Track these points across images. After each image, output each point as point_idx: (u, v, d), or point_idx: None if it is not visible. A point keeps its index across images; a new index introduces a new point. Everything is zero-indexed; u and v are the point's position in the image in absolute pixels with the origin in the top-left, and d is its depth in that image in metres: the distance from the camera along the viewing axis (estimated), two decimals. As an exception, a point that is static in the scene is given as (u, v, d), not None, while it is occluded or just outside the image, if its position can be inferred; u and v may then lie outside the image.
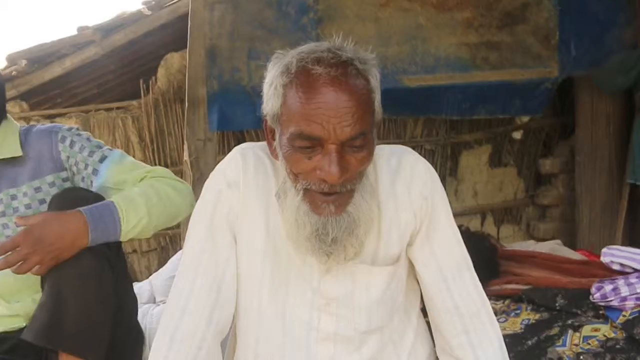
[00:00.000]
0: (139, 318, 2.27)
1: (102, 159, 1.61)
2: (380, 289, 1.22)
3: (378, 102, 1.11)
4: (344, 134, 1.04)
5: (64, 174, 1.61)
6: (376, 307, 1.23)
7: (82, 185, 1.62)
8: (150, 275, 2.92)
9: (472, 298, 1.25)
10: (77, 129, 1.68)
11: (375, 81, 1.10)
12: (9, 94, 3.81)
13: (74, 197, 1.49)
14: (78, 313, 1.39)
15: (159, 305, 2.38)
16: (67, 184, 1.62)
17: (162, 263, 3.85)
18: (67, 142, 1.61)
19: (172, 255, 3.17)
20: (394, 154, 1.24)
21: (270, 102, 1.12)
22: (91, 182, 1.60)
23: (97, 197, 1.52)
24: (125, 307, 1.57)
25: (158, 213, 1.52)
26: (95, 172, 1.60)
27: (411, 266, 1.29)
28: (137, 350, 1.65)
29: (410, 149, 1.27)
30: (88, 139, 1.65)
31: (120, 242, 1.53)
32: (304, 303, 1.21)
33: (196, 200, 1.28)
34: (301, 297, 1.21)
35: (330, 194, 1.09)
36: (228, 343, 1.35)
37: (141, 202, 1.50)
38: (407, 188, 1.21)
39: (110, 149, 1.65)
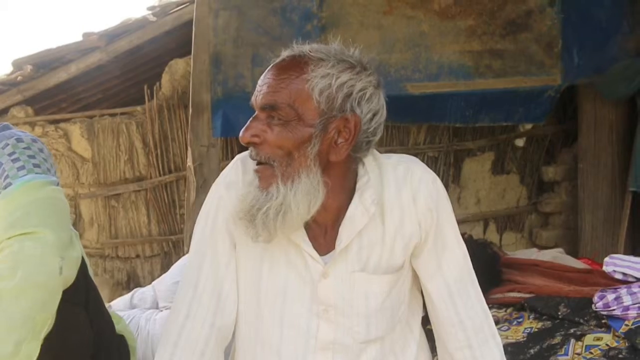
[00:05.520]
0: (142, 323, 2.29)
1: (7, 186, 1.29)
2: (380, 297, 1.22)
3: (321, 93, 1.12)
4: (258, 101, 1.15)
5: None
6: (375, 316, 1.22)
7: None
8: (153, 280, 2.93)
9: (476, 312, 1.26)
10: (21, 139, 1.37)
11: (321, 70, 1.12)
12: (14, 98, 3.84)
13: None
14: None
15: (162, 310, 2.38)
16: None
17: (165, 268, 3.85)
18: None
19: (176, 261, 3.18)
20: (402, 162, 1.24)
21: None
22: None
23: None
24: (103, 331, 1.48)
25: None
26: None
27: (415, 277, 1.29)
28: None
29: (417, 160, 1.27)
30: (16, 159, 1.33)
31: (87, 272, 1.40)
32: (302, 309, 1.21)
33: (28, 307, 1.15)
34: (299, 302, 1.21)
35: (258, 164, 1.16)
36: (231, 349, 1.36)
37: None
38: (412, 198, 1.20)
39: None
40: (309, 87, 1.12)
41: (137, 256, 4.13)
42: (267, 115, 1.14)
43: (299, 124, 1.12)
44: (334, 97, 1.12)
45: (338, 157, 1.15)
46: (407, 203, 1.20)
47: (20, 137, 1.39)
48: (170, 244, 4.09)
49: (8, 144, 1.36)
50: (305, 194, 1.12)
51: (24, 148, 1.37)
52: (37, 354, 1.16)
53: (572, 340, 2.04)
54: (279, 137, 1.12)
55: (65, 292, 1.25)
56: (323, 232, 1.20)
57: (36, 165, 1.34)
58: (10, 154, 1.34)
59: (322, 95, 1.12)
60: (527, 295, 2.37)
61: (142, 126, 4.00)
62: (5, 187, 1.29)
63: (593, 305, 2.10)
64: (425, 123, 4.00)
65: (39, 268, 1.17)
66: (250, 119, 1.16)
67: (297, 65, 1.14)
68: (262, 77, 1.17)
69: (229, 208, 1.21)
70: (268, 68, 1.17)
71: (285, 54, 1.17)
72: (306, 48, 1.16)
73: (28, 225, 1.21)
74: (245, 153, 1.27)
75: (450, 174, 4.25)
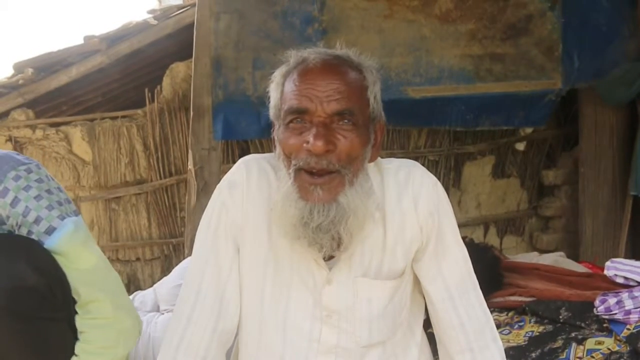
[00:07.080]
0: (143, 327, 2.28)
1: (50, 231, 1.30)
2: (382, 302, 1.23)
3: (375, 99, 1.17)
4: (330, 107, 1.10)
5: (5, 227, 1.33)
6: (377, 321, 1.23)
7: None
8: (154, 283, 2.93)
9: (477, 315, 1.27)
10: (30, 169, 1.34)
11: (371, 77, 1.17)
12: (15, 102, 3.84)
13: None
14: None
15: (163, 313, 2.38)
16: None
17: (165, 271, 3.85)
18: (9, 198, 1.29)
19: (176, 264, 3.18)
20: (403, 167, 1.25)
21: (272, 98, 1.18)
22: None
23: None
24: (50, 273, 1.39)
25: None
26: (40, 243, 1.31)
27: (416, 281, 1.30)
28: None
29: (418, 164, 1.28)
30: (38, 196, 1.31)
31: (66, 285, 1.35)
32: (305, 314, 1.22)
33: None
34: (303, 307, 1.22)
35: (319, 176, 1.10)
36: (232, 352, 1.36)
37: None
38: (413, 203, 1.21)
39: (63, 217, 1.32)
40: (370, 93, 1.16)
41: (138, 259, 4.12)
42: (332, 122, 1.12)
43: (364, 128, 1.15)
44: (378, 103, 1.19)
45: (373, 159, 1.20)
46: (408, 208, 1.21)
47: (29, 168, 1.34)
48: (171, 247, 4.09)
49: (20, 177, 1.31)
50: (366, 194, 1.15)
51: (37, 181, 1.33)
52: None
53: (574, 344, 2.04)
54: (353, 143, 1.12)
55: (46, 310, 1.27)
56: None
57: (59, 203, 1.34)
58: (25, 188, 1.31)
59: (376, 101, 1.18)
60: (528, 299, 2.37)
61: (142, 129, 4.00)
62: (47, 232, 1.29)
63: (594, 309, 2.10)
64: (425, 127, 4.00)
65: (132, 337, 1.36)
66: (316, 127, 1.10)
67: (355, 71, 1.16)
68: (315, 81, 1.11)
69: (232, 211, 1.21)
70: (314, 71, 1.12)
71: (325, 57, 1.15)
72: (343, 53, 1.18)
73: (108, 290, 1.33)
74: (249, 156, 1.27)
75: (450, 177, 4.25)
